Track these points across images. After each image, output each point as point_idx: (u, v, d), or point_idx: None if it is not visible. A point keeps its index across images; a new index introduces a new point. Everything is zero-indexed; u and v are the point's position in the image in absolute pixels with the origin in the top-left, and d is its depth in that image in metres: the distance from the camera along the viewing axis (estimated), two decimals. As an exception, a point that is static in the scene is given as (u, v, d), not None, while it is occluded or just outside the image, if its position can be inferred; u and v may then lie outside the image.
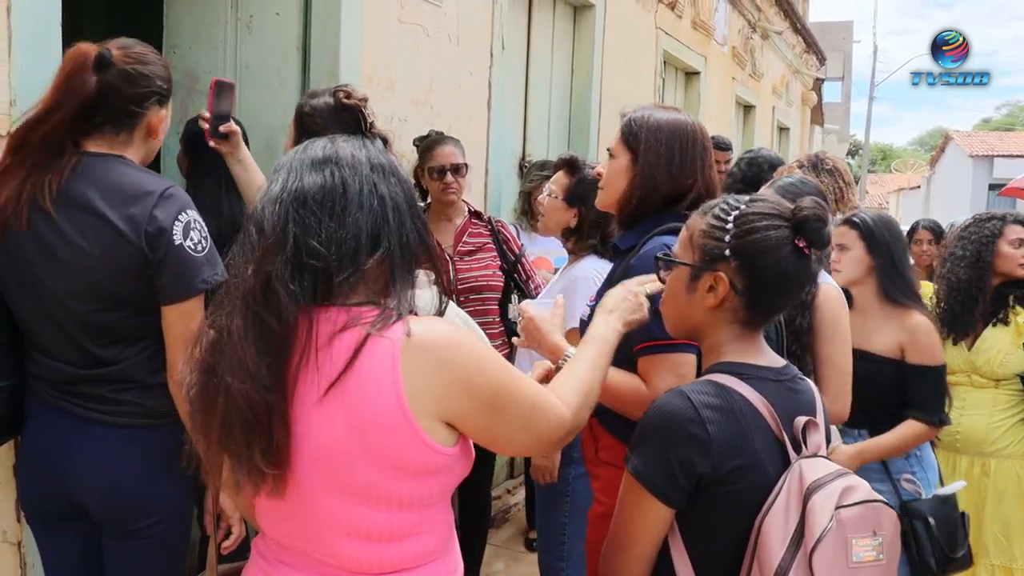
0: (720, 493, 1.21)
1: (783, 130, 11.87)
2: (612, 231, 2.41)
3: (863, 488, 1.19)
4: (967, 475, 2.80)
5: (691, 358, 1.53)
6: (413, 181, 2.93)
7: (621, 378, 1.58)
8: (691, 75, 7.27)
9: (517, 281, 3.05)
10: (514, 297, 3.08)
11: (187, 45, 3.00)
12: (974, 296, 2.79)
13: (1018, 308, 2.78)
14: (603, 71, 5.22)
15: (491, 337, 2.82)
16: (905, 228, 4.06)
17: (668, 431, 1.22)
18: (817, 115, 15.93)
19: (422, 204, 2.97)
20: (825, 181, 2.64)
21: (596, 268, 2.39)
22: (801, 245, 1.26)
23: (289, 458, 1.08)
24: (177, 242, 1.61)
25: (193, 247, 1.63)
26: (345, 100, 1.74)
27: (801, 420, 1.26)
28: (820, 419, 1.30)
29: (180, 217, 1.62)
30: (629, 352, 1.58)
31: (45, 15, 1.95)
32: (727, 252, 1.28)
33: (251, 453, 1.07)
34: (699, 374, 1.40)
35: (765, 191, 2.15)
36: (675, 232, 1.44)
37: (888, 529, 1.18)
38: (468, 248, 2.96)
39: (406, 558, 1.15)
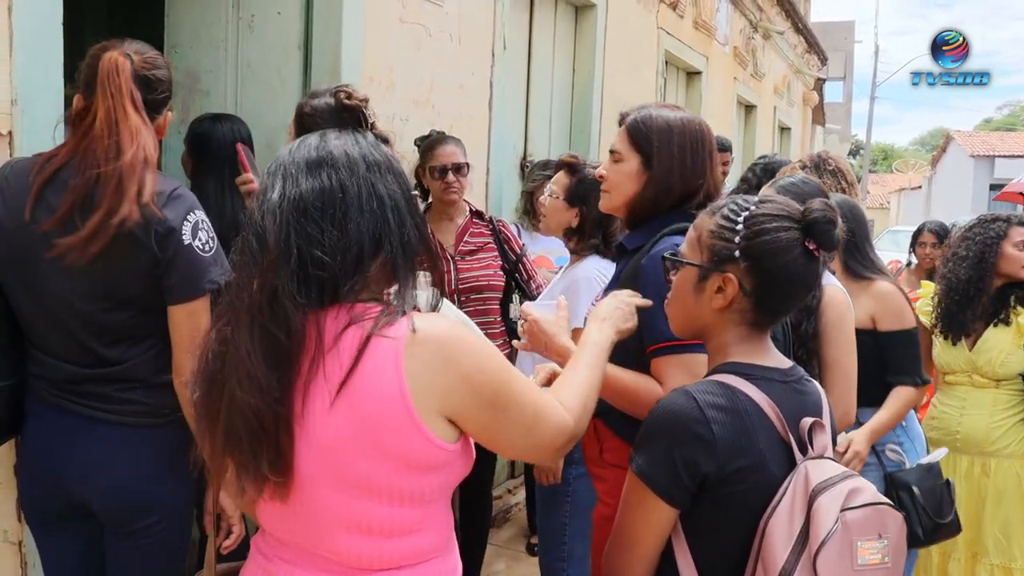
0: (724, 493, 1.21)
1: (784, 130, 11.87)
2: (614, 231, 2.41)
3: (869, 490, 1.18)
4: (967, 475, 2.81)
5: (704, 358, 1.52)
6: (414, 181, 2.94)
7: (637, 380, 1.57)
8: (693, 75, 7.26)
9: (518, 281, 3.04)
10: (515, 297, 3.08)
11: (188, 45, 3.00)
12: (972, 296, 2.81)
13: (1019, 308, 2.78)
14: (604, 71, 5.22)
15: (492, 337, 2.82)
16: (908, 228, 4.07)
17: (673, 431, 1.21)
18: (818, 115, 15.93)
19: (423, 204, 2.97)
20: (828, 182, 2.63)
21: (598, 268, 2.38)
22: (811, 247, 1.26)
23: (294, 463, 1.09)
24: (186, 242, 1.61)
25: (201, 247, 1.64)
26: (346, 101, 1.74)
27: (807, 421, 1.25)
28: (827, 420, 1.29)
29: (189, 217, 1.63)
30: (635, 353, 1.58)
31: (46, 15, 1.95)
32: (737, 253, 1.27)
33: (258, 464, 1.07)
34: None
35: (768, 191, 2.15)
36: (684, 232, 1.43)
37: (894, 532, 1.17)
38: (469, 248, 2.96)
39: (406, 554, 1.14)
